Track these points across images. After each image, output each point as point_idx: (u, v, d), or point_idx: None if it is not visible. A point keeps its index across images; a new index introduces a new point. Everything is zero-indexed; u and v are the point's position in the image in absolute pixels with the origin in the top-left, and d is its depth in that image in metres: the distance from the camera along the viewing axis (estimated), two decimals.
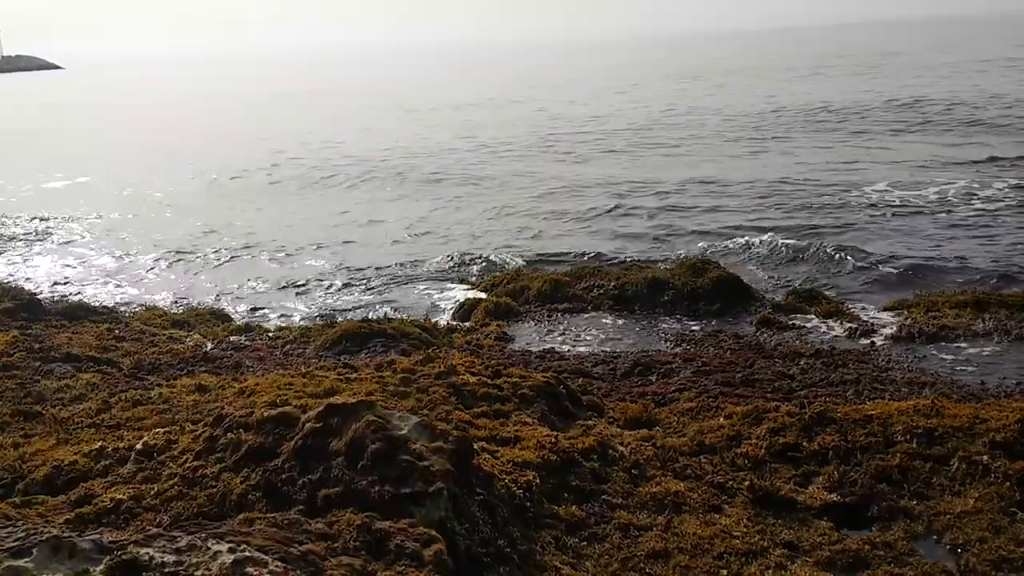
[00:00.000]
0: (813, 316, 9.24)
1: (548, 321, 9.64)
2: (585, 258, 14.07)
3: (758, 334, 8.67)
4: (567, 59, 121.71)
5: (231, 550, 2.74)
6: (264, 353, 8.29)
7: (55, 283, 14.18)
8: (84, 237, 18.13)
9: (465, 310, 10.65)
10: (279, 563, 2.75)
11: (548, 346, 8.52)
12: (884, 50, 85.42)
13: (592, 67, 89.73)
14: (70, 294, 13.08)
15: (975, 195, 17.09)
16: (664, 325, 9.30)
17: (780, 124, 31.07)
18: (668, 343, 8.54)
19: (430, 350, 7.34)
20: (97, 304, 11.37)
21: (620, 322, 9.50)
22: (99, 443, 4.59)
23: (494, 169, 24.83)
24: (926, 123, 28.86)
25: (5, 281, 12.19)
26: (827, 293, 10.60)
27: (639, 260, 13.43)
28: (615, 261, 13.61)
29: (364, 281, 13.70)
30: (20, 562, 2.55)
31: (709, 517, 4.06)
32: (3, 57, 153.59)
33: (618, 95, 48.78)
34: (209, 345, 8.42)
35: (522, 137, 31.40)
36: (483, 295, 11.17)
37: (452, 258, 14.42)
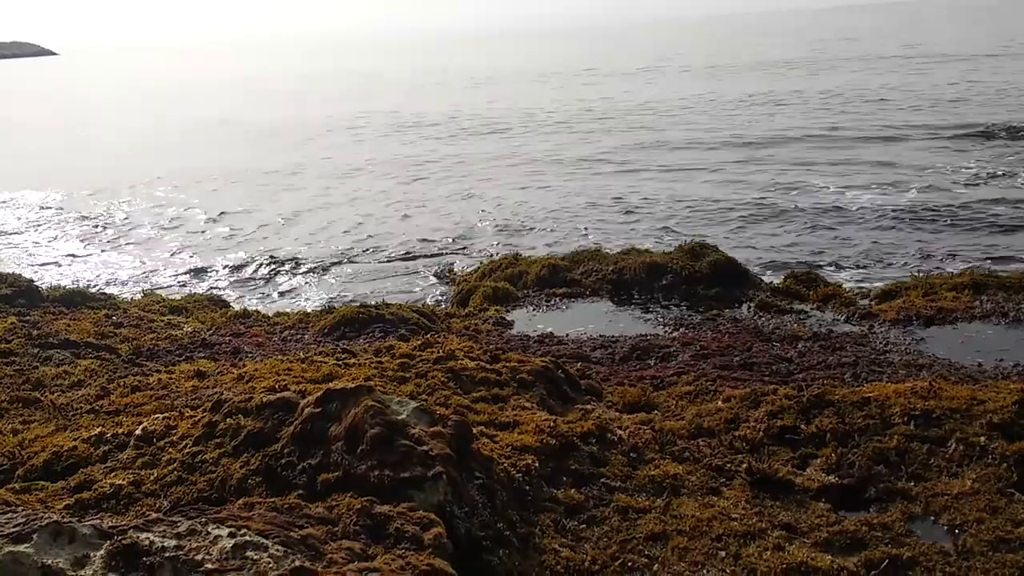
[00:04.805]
0: (811, 299, 9.23)
1: (546, 306, 9.64)
2: None
3: (756, 318, 8.67)
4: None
5: (231, 534, 2.75)
6: (262, 339, 8.29)
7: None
8: None
9: (463, 295, 10.65)
10: (279, 547, 2.76)
11: (547, 331, 8.52)
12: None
13: None
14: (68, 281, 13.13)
15: None
16: (662, 309, 9.29)
17: None
18: (666, 327, 8.53)
19: (428, 335, 7.35)
20: (95, 290, 11.36)
21: (618, 306, 9.49)
22: (98, 429, 4.60)
23: None
24: None
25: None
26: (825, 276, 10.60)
27: None
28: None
29: None
30: (20, 548, 2.55)
31: (707, 499, 4.08)
32: None
33: None
34: (207, 331, 8.42)
35: None
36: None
37: None
